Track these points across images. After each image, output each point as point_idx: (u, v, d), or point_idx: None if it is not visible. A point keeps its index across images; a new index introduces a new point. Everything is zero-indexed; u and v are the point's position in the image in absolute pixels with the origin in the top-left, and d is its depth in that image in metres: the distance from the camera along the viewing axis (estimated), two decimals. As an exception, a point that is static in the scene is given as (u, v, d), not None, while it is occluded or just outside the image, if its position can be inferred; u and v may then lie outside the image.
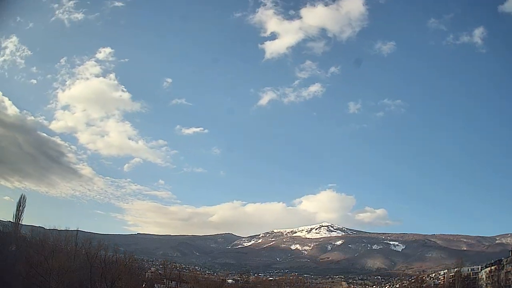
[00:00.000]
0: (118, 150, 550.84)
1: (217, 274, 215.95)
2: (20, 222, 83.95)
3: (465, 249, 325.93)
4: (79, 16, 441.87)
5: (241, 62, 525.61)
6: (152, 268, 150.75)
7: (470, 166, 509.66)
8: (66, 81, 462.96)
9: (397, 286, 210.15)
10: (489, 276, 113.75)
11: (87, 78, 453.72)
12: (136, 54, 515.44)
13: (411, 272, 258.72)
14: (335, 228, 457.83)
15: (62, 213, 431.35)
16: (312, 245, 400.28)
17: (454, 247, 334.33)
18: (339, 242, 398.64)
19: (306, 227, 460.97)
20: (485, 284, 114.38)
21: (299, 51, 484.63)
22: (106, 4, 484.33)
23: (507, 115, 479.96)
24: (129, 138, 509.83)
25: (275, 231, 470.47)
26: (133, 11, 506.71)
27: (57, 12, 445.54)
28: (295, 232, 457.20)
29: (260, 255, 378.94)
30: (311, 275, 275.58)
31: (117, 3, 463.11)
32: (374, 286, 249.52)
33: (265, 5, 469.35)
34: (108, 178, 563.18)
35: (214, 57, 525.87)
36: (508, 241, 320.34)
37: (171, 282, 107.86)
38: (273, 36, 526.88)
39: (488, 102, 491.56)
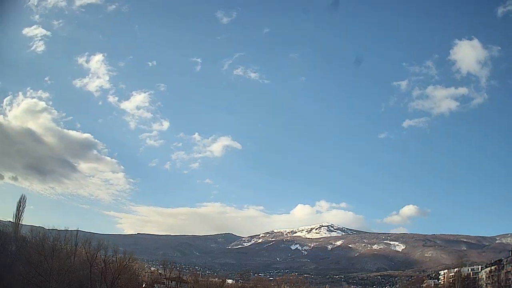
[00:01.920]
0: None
1: (217, 274, 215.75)
2: (20, 222, 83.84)
3: (465, 249, 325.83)
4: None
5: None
6: (152, 268, 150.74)
7: (470, 166, 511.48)
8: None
9: (397, 286, 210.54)
10: (489, 276, 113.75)
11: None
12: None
13: (411, 272, 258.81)
14: (335, 228, 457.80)
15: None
16: (312, 245, 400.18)
17: (454, 247, 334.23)
18: (339, 242, 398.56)
19: (306, 227, 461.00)
20: (485, 284, 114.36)
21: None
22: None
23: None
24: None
25: (275, 231, 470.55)
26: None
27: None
28: (295, 232, 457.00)
29: (260, 255, 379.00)
30: (311, 275, 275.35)
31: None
32: (374, 286, 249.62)
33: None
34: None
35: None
36: (508, 241, 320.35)
37: (171, 282, 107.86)
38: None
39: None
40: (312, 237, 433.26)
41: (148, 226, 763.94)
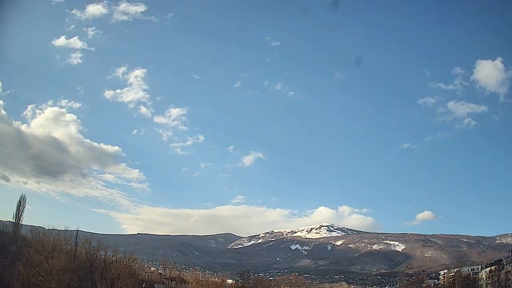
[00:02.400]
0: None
1: (217, 274, 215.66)
2: (20, 222, 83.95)
3: (465, 249, 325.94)
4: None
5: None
6: (152, 268, 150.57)
7: (470, 166, 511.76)
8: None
9: (397, 286, 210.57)
10: (489, 276, 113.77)
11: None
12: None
13: (411, 272, 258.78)
14: (335, 228, 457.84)
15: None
16: (312, 245, 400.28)
17: (454, 247, 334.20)
18: (339, 242, 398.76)
19: (306, 227, 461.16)
20: (485, 284, 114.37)
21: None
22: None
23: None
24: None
25: (275, 231, 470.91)
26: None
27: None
28: (295, 232, 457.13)
29: (260, 255, 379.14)
30: (311, 275, 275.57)
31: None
32: (374, 286, 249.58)
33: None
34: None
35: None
36: (508, 241, 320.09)
37: (171, 282, 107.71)
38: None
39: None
40: (312, 237, 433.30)
41: (161, 228, 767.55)
